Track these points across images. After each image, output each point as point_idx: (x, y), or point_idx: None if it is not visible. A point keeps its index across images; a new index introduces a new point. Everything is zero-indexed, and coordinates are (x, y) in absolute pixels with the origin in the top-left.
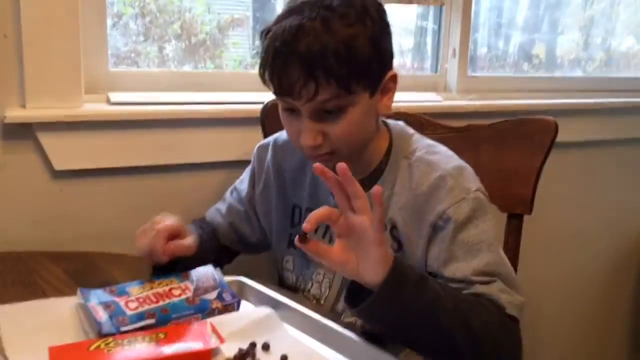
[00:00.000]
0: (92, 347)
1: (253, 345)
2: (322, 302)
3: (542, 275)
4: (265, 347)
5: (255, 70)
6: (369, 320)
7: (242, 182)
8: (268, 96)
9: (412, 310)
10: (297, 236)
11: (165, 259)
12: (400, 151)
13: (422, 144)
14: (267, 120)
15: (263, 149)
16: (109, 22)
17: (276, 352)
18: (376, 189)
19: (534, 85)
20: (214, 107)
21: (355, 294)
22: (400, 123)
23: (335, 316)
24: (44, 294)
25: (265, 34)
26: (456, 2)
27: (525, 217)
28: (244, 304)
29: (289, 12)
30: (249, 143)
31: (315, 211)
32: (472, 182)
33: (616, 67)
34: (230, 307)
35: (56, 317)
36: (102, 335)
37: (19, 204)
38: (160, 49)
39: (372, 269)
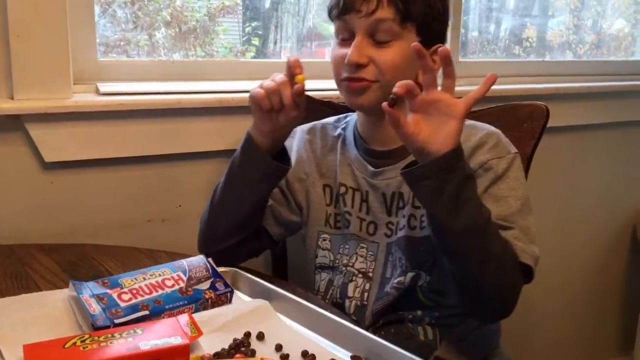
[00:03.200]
0: (68, 345)
1: (247, 335)
2: (370, 274)
3: None
4: (260, 336)
5: (246, 59)
6: (427, 184)
7: None
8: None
9: (465, 187)
10: (387, 102)
11: (293, 104)
12: None
13: None
14: None
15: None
16: (97, 10)
17: (271, 341)
18: (492, 75)
19: (525, 70)
20: (205, 96)
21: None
22: None
23: (347, 318)
24: (36, 287)
25: None
26: None
27: None
28: (237, 295)
29: None
30: (241, 131)
31: (404, 81)
32: (511, 145)
33: (607, 49)
34: (223, 297)
35: (49, 310)
36: (96, 328)
37: (10, 197)
38: (150, 37)
39: (442, 139)
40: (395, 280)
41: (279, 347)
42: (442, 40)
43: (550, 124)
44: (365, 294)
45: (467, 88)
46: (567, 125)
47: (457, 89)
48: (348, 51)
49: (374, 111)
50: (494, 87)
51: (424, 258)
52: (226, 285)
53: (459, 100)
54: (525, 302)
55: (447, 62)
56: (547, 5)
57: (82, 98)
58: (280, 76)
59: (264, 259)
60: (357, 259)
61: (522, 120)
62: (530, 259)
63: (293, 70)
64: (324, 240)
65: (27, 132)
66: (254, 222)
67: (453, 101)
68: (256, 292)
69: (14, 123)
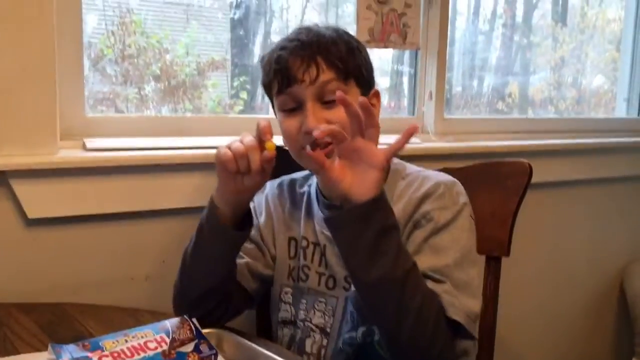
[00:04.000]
0: None
1: None
2: (327, 330)
3: (522, 316)
4: None
5: (235, 114)
6: (344, 231)
7: None
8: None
9: (384, 238)
10: (308, 145)
11: (260, 170)
12: (397, 174)
13: (416, 168)
14: None
15: (260, 191)
16: (88, 63)
17: None
18: (412, 126)
19: (508, 127)
20: (192, 152)
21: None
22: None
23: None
24: (14, 349)
25: (262, 59)
26: (431, 47)
27: (503, 259)
28: (222, 357)
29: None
30: None
31: (325, 126)
32: (462, 195)
33: (587, 105)
34: None
35: None
36: None
37: None
38: (139, 91)
39: (364, 189)
40: (347, 336)
41: None
42: (374, 84)
43: (533, 180)
44: (322, 350)
45: (454, 144)
46: (551, 182)
47: (444, 145)
48: (300, 121)
49: None
50: (477, 143)
51: None
52: (210, 347)
53: (380, 150)
54: (515, 359)
55: (368, 112)
56: (528, 62)
57: (68, 154)
58: (249, 138)
59: (248, 317)
60: (315, 313)
61: (505, 177)
62: (460, 314)
63: (263, 137)
64: (286, 294)
65: (11, 188)
66: (225, 288)
67: (374, 151)
68: (241, 354)
69: None
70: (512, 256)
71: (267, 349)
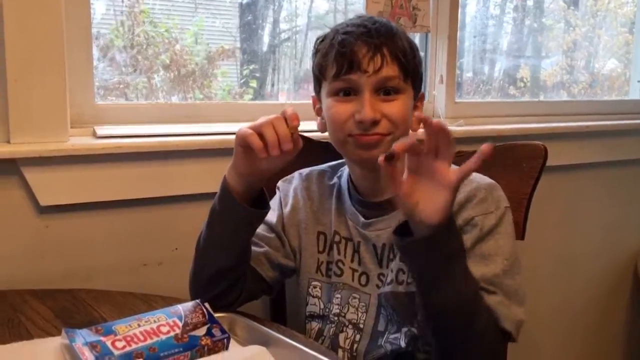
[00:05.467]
0: None
1: None
2: (360, 326)
3: (537, 299)
4: None
5: (244, 100)
6: (413, 256)
7: None
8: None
9: (450, 262)
10: (384, 155)
11: (290, 146)
12: None
13: (453, 166)
14: None
15: (287, 180)
16: (97, 53)
17: None
18: (487, 147)
19: (520, 110)
20: (202, 138)
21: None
22: None
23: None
24: (28, 334)
25: (321, 39)
26: (442, 29)
27: (518, 243)
28: (234, 341)
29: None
30: None
31: (405, 139)
32: (503, 199)
33: (600, 89)
34: (220, 344)
35: (41, 358)
36: None
37: (3, 241)
38: (149, 80)
39: (432, 209)
40: (392, 336)
41: None
42: (421, 87)
43: (547, 163)
44: (355, 346)
45: (466, 128)
46: (564, 165)
47: (456, 129)
48: (353, 108)
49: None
50: (489, 126)
51: (410, 314)
52: (223, 331)
53: (453, 170)
54: (529, 341)
55: (445, 132)
56: (540, 46)
57: (79, 141)
58: (283, 127)
59: (262, 305)
60: (349, 309)
61: (520, 160)
62: (512, 324)
63: (290, 122)
64: (315, 287)
65: (23, 176)
66: (238, 269)
67: (447, 171)
68: (254, 338)
69: (10, 167)
70: (527, 239)
71: (280, 333)
